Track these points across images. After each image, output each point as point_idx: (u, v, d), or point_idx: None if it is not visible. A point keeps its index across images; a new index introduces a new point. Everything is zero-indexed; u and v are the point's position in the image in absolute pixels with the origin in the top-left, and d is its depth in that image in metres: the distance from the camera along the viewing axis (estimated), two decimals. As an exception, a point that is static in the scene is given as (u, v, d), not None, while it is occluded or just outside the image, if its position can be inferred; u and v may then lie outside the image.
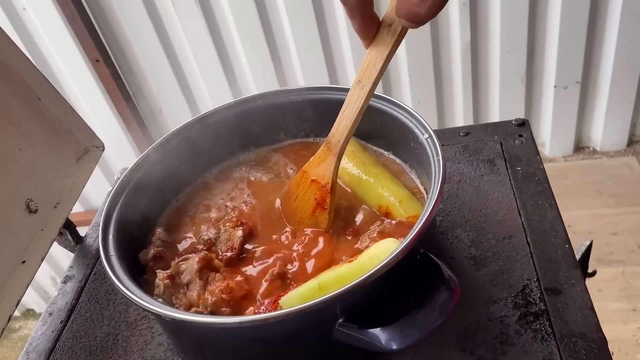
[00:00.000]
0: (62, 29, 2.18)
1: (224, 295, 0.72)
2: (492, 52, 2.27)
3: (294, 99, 0.93)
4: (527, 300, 0.75)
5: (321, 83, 0.96)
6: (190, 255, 0.79)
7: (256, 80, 2.34)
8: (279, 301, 0.70)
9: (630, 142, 2.60)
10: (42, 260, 0.94)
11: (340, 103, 0.87)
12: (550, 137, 2.51)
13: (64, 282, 0.98)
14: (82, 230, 1.10)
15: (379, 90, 0.79)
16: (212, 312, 0.72)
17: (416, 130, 0.80)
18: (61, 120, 1.08)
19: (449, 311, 0.61)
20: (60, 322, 0.91)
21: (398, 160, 0.91)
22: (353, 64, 2.22)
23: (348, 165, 0.89)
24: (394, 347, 0.60)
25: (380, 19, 0.71)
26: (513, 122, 1.03)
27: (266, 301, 0.72)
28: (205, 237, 0.83)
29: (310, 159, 0.84)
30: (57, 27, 2.17)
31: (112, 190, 0.82)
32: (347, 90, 0.88)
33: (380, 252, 0.70)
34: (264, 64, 2.28)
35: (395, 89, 2.36)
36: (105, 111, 2.41)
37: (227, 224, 0.85)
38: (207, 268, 0.76)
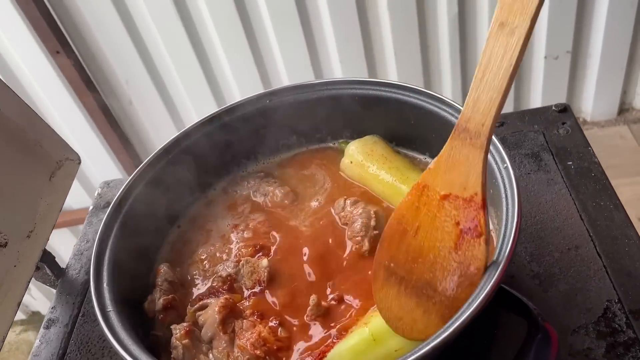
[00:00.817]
0: (16, 19, 1.97)
1: (257, 352, 0.58)
2: (481, 25, 2.17)
3: (308, 96, 0.79)
4: (612, 328, 0.63)
5: (339, 77, 0.81)
6: (209, 302, 0.65)
7: (231, 64, 2.17)
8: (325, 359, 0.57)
9: (621, 111, 2.54)
10: (19, 305, 0.79)
11: (365, 98, 0.74)
12: (540, 110, 2.43)
13: (47, 327, 0.83)
14: (56, 241, 0.94)
15: (391, 78, 0.65)
16: None
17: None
18: (26, 131, 0.92)
19: (551, 366, 0.49)
20: (46, 380, 0.76)
21: (438, 164, 0.77)
22: (339, 62, 2.08)
23: (378, 172, 0.76)
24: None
25: None
26: (553, 107, 0.91)
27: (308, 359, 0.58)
28: (224, 274, 0.69)
29: (431, 164, 0.57)
30: (11, 17, 1.96)
31: (100, 227, 0.68)
32: (373, 83, 0.75)
33: None
34: (240, 47, 2.11)
35: (380, 67, 2.23)
36: (70, 106, 2.21)
37: (243, 250, 0.71)
38: (231, 316, 0.62)
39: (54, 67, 2.13)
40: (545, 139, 0.88)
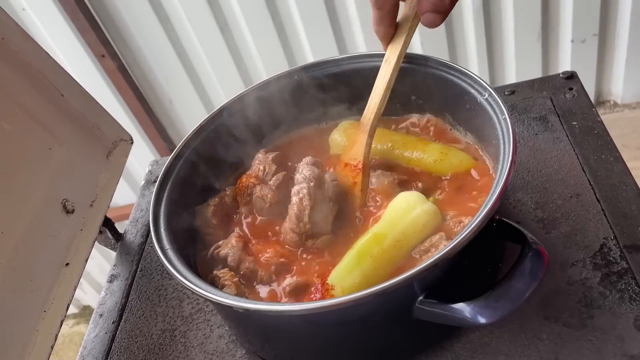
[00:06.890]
0: (64, 27, 2.12)
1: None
2: (506, 11, 2.21)
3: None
4: (607, 260, 0.71)
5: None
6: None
7: (263, 59, 2.28)
8: (327, 281, 0.68)
9: (653, 92, 2.53)
10: (86, 261, 0.91)
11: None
12: (570, 94, 2.45)
13: (110, 281, 0.95)
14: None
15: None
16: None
17: (472, 91, 0.75)
18: (86, 115, 1.04)
19: (541, 276, 0.57)
20: (112, 323, 0.88)
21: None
22: (363, 38, 2.15)
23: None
24: (484, 321, 0.57)
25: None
26: (561, 75, 0.98)
27: (317, 286, 0.69)
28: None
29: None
30: (59, 25, 2.12)
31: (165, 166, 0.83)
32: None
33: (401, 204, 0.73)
34: (271, 42, 2.22)
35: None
36: (115, 107, 2.36)
37: None
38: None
39: (99, 70, 2.27)
40: (553, 103, 0.95)
